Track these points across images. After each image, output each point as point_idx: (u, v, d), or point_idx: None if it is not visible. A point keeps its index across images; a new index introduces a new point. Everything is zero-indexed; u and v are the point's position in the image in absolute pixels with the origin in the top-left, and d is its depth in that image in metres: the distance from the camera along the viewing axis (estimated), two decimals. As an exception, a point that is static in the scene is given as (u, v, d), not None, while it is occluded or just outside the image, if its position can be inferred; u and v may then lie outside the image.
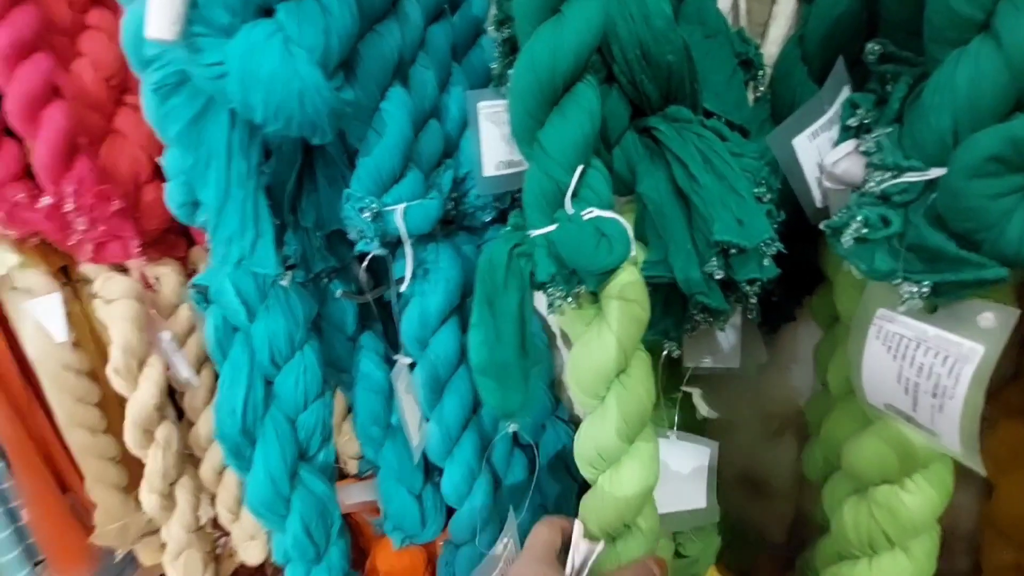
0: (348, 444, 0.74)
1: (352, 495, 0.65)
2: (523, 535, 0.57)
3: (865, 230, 0.23)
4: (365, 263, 0.46)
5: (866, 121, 0.27)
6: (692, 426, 0.53)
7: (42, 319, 0.62)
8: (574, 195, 0.27)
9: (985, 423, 0.45)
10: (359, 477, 0.71)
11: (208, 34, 0.28)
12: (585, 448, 0.33)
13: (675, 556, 0.53)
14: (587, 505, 0.35)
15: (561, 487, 0.59)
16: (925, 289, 0.22)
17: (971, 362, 0.21)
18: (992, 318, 0.21)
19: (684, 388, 0.51)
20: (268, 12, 0.29)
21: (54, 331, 0.62)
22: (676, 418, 0.40)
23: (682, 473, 0.38)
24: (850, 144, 0.28)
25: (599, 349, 0.29)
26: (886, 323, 0.25)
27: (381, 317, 0.57)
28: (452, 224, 0.49)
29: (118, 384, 0.57)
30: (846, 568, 0.31)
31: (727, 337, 0.41)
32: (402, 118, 0.37)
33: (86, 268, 0.63)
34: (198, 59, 0.28)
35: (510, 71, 0.41)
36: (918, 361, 0.23)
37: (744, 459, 0.59)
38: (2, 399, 0.68)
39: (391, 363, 0.56)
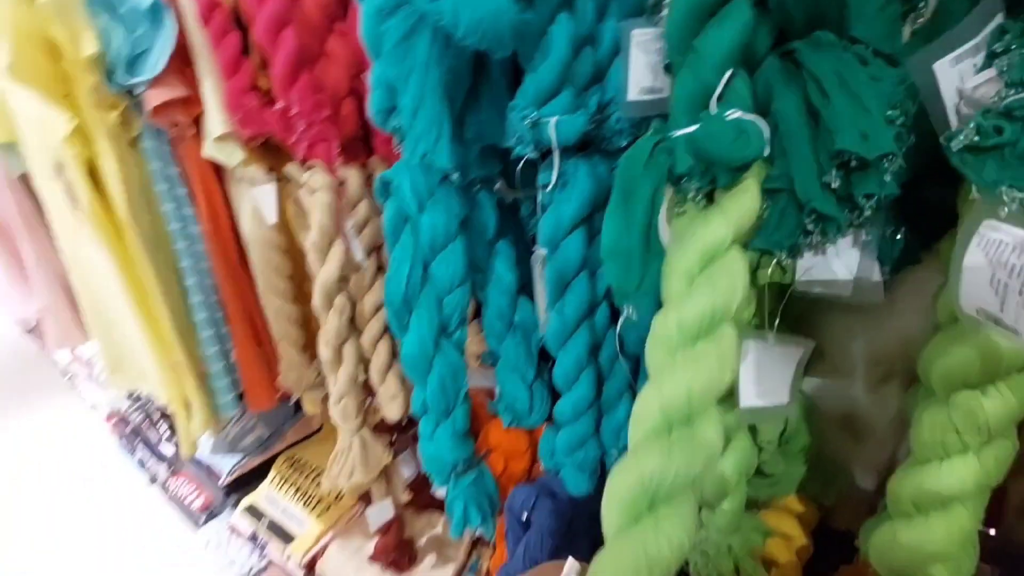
0: (471, 344, 0.86)
1: (474, 378, 0.77)
2: (617, 430, 0.65)
3: (976, 137, 0.26)
4: (519, 167, 0.54)
5: (1012, 47, 0.28)
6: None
7: (259, 204, 0.79)
8: (720, 98, 0.31)
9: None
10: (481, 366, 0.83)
11: (433, -38, 0.36)
12: (665, 329, 0.36)
13: (757, 473, 0.58)
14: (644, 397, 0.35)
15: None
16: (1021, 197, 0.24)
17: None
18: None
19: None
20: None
21: (267, 214, 0.80)
22: (776, 322, 0.44)
23: (772, 372, 0.42)
24: (992, 70, 0.29)
25: (706, 228, 0.33)
26: (989, 231, 0.27)
27: (516, 225, 0.65)
28: (592, 145, 0.55)
29: (312, 258, 0.72)
30: (915, 470, 0.34)
31: (843, 264, 0.43)
32: (564, 41, 0.44)
33: (288, 169, 0.79)
34: (422, -15, 0.37)
35: (664, 1, 0.46)
36: (1011, 263, 0.26)
37: (847, 400, 0.61)
38: (224, 265, 0.90)
39: (519, 270, 0.65)
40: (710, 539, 0.53)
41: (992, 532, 0.61)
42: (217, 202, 0.86)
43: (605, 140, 0.55)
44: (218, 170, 0.87)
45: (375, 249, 0.76)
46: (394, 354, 0.80)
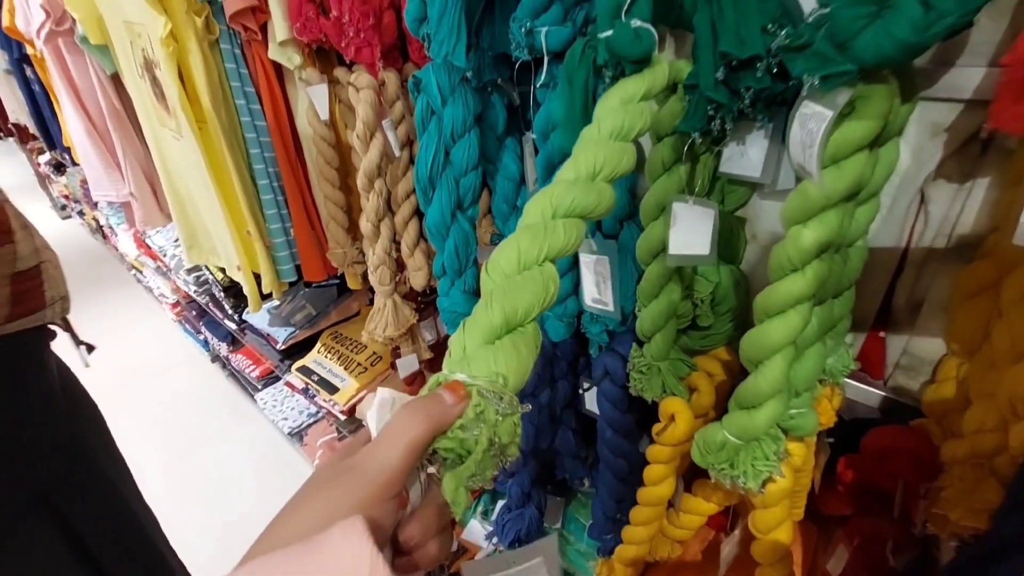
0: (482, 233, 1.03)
1: (484, 254, 0.95)
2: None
3: (786, 40, 0.39)
4: (516, 67, 0.68)
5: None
6: (734, 243, 0.70)
7: (314, 100, 0.96)
8: (627, 11, 0.45)
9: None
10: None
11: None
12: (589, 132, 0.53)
13: (693, 327, 0.75)
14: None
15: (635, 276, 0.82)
16: (816, 81, 0.38)
17: (825, 120, 0.38)
18: (844, 96, 0.37)
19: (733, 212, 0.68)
20: None
21: (320, 110, 0.96)
22: (697, 185, 0.58)
23: (695, 227, 0.57)
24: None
25: (627, 83, 0.48)
26: (803, 108, 0.41)
27: (523, 128, 0.80)
28: (580, 54, 0.68)
29: (357, 146, 0.89)
30: (767, 289, 0.51)
31: (755, 152, 0.57)
32: (555, -35, 0.57)
33: (338, 72, 0.95)
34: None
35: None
36: (809, 127, 0.40)
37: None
38: (284, 154, 1.07)
39: (522, 163, 0.80)
40: (645, 362, 0.71)
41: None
42: (279, 99, 1.02)
43: (592, 50, 0.68)
44: (279, 72, 1.03)
45: (408, 144, 0.92)
46: (420, 234, 0.98)
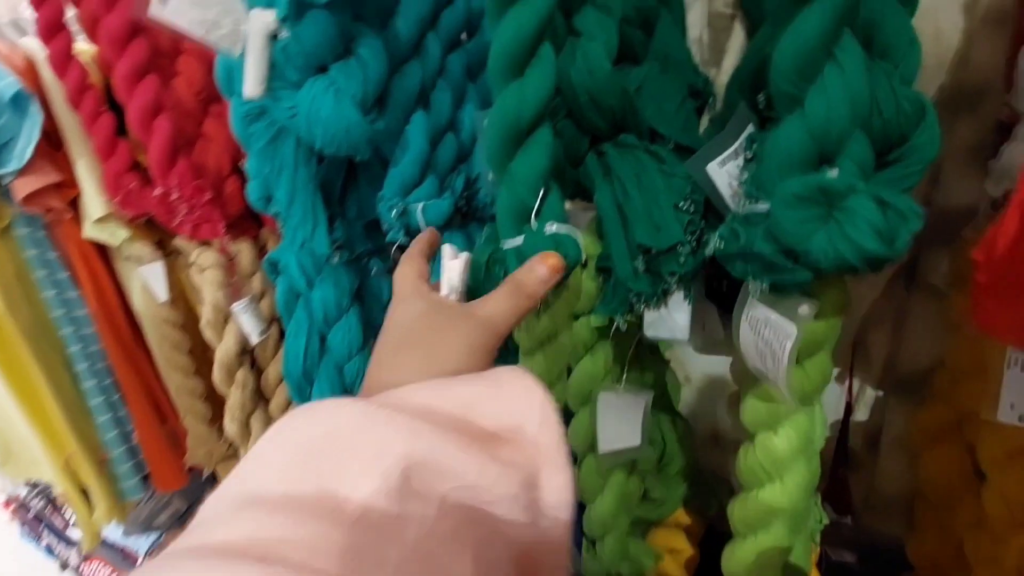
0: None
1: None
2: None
3: (720, 244, 0.32)
4: (395, 247, 0.57)
5: (759, 152, 0.35)
6: (667, 390, 0.63)
7: (148, 282, 0.78)
8: (537, 213, 0.36)
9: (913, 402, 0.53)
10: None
11: (284, 87, 0.39)
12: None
13: (643, 498, 0.64)
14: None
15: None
16: (765, 286, 0.31)
17: (791, 338, 0.30)
18: (806, 309, 0.30)
19: (664, 358, 0.61)
20: (324, 69, 0.40)
21: (157, 292, 0.79)
22: (624, 375, 0.50)
23: (624, 417, 0.48)
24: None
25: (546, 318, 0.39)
26: (751, 309, 0.34)
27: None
28: (466, 216, 0.60)
29: (208, 335, 0.72)
30: (742, 498, 0.41)
31: (680, 315, 0.50)
32: (421, 138, 0.48)
33: (178, 242, 0.79)
34: (277, 105, 0.40)
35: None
36: (765, 335, 0.32)
37: (714, 420, 0.69)
38: (117, 346, 0.86)
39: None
40: (602, 569, 0.58)
41: (848, 521, 0.71)
42: (103, 282, 0.83)
43: (478, 211, 0.60)
44: (102, 248, 0.84)
45: (276, 318, 0.76)
46: (305, 419, 0.80)
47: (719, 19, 0.49)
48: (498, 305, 0.32)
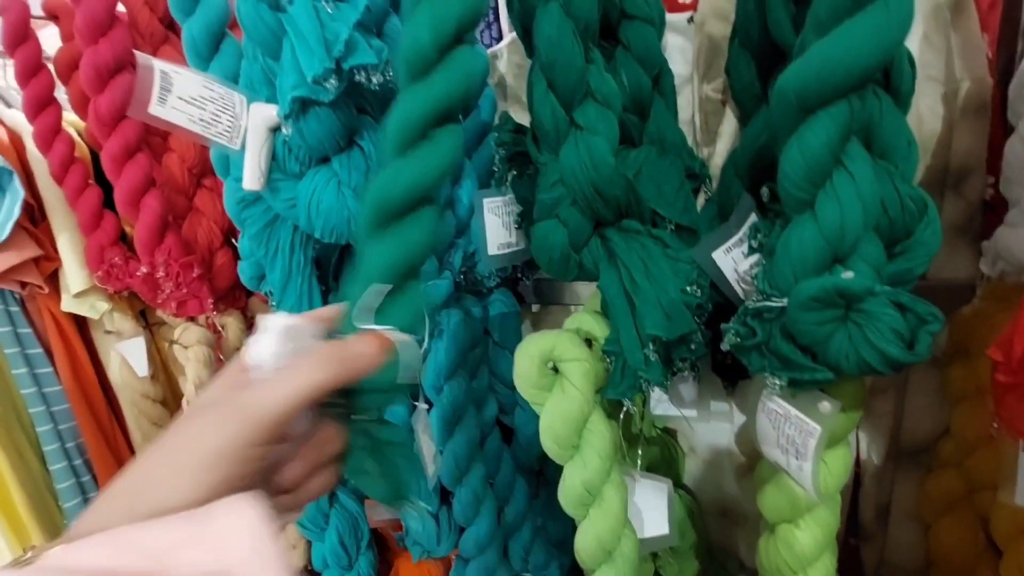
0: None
1: (379, 513, 0.75)
2: (524, 551, 0.66)
3: (738, 339, 0.32)
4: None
5: (764, 242, 0.36)
6: (673, 462, 0.61)
7: (128, 357, 0.75)
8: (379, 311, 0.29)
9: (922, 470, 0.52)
10: (385, 497, 0.81)
11: (284, 179, 0.39)
12: (572, 489, 0.41)
13: (655, 576, 0.61)
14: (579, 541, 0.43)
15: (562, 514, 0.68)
16: (784, 382, 0.30)
17: (814, 436, 0.30)
18: (828, 406, 0.29)
19: (666, 427, 0.60)
20: (326, 160, 0.40)
21: (137, 367, 0.75)
22: (639, 460, 0.48)
23: (646, 506, 0.46)
24: (756, 257, 0.37)
25: (566, 402, 0.38)
26: (768, 402, 0.33)
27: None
28: (463, 289, 0.59)
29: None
30: None
31: (687, 392, 0.50)
32: (422, 220, 0.48)
33: (161, 313, 0.76)
34: (276, 196, 0.39)
35: (508, 175, 0.52)
36: (786, 431, 0.32)
37: (721, 493, 0.67)
38: (91, 421, 0.82)
39: (411, 407, 0.66)
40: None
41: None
42: (79, 356, 0.79)
43: (475, 284, 0.59)
44: (79, 319, 0.81)
45: (262, 393, 0.73)
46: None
47: (709, 103, 0.51)
48: (279, 384, 0.26)
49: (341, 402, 0.29)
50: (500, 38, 0.75)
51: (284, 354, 0.28)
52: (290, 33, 0.34)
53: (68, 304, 0.75)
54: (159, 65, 0.33)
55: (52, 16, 0.69)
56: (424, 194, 0.31)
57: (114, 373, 0.81)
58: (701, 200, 0.49)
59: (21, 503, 0.78)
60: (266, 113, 0.38)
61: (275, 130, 0.39)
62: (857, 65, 0.26)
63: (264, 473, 0.26)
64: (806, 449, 0.30)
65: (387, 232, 0.31)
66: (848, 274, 0.28)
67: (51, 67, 0.70)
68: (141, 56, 0.33)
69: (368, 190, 0.31)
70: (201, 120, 0.35)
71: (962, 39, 0.41)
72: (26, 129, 0.75)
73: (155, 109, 0.33)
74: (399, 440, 0.33)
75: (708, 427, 0.60)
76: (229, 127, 0.37)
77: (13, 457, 0.76)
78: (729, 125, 0.49)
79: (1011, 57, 0.44)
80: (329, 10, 0.35)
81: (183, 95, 0.34)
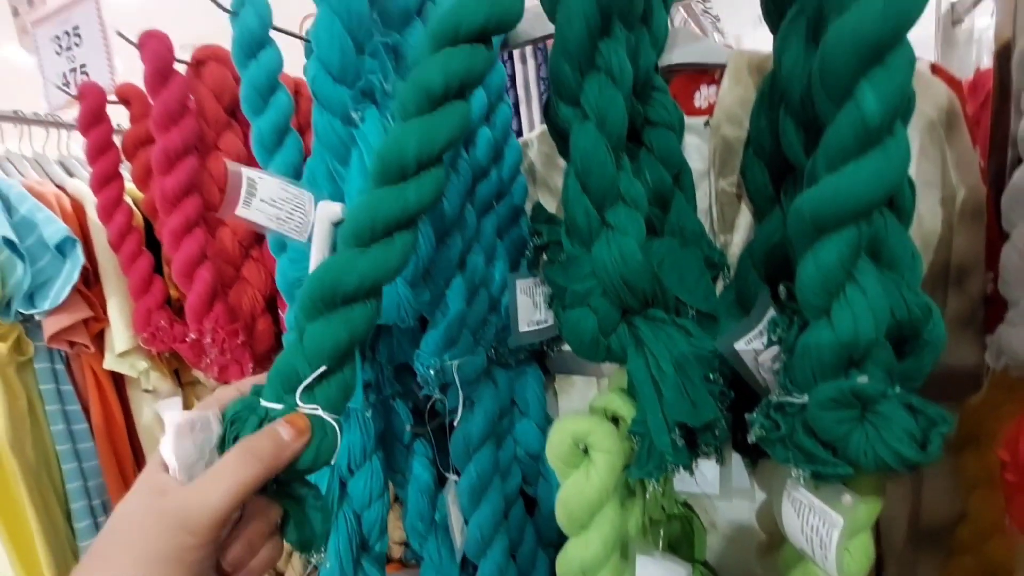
0: (394, 531, 0.85)
1: (398, 581, 0.75)
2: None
3: (762, 432, 0.35)
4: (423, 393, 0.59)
5: (783, 336, 0.39)
6: (694, 538, 0.62)
7: (165, 418, 0.77)
8: (307, 388, 0.31)
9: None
10: (403, 563, 0.81)
11: (342, 267, 0.44)
12: (569, 563, 0.43)
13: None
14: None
15: None
16: (807, 474, 0.33)
17: (837, 527, 0.32)
18: (849, 499, 0.31)
19: (686, 501, 0.61)
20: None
21: (171, 426, 0.77)
22: (661, 540, 0.50)
23: (668, 585, 0.47)
24: (775, 349, 0.40)
25: (587, 486, 0.40)
26: (793, 491, 0.35)
27: (435, 439, 0.69)
28: (493, 362, 0.62)
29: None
30: None
31: (709, 471, 0.51)
32: (460, 301, 0.52)
33: (197, 373, 0.79)
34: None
35: (541, 260, 0.56)
36: (811, 521, 0.33)
37: (742, 569, 0.67)
38: (118, 477, 0.83)
39: (437, 468, 0.68)
40: None
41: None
42: (113, 412, 0.82)
43: (504, 357, 0.62)
44: (117, 376, 0.84)
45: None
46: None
47: (725, 195, 0.55)
48: (206, 489, 0.26)
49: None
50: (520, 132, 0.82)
51: (193, 451, 0.28)
52: (360, 145, 0.39)
53: (110, 362, 0.78)
54: (247, 172, 0.38)
55: (124, 101, 0.76)
56: (373, 287, 0.33)
57: (144, 429, 0.83)
58: (719, 286, 0.52)
59: (45, 561, 0.78)
60: (332, 210, 0.43)
61: (337, 224, 0.43)
62: (863, 199, 0.30)
63: (208, 563, 0.27)
64: (830, 539, 0.32)
65: (334, 314, 0.32)
66: (863, 378, 0.31)
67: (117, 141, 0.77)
68: (231, 164, 0.38)
69: (323, 270, 0.32)
70: (278, 218, 0.40)
71: (956, 152, 0.46)
72: (88, 197, 0.81)
73: (241, 211, 0.38)
74: (312, 493, 0.33)
75: (729, 503, 0.61)
76: (300, 223, 0.41)
77: (40, 514, 0.77)
78: (744, 217, 0.54)
79: (1001, 166, 0.49)
80: (394, 125, 0.40)
81: (264, 197, 0.38)
